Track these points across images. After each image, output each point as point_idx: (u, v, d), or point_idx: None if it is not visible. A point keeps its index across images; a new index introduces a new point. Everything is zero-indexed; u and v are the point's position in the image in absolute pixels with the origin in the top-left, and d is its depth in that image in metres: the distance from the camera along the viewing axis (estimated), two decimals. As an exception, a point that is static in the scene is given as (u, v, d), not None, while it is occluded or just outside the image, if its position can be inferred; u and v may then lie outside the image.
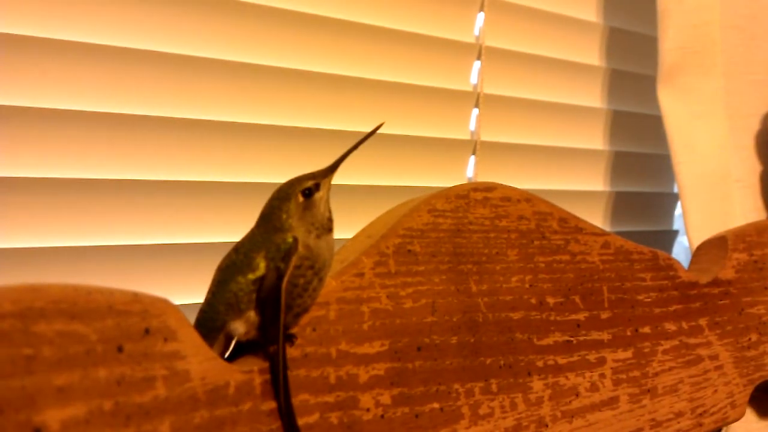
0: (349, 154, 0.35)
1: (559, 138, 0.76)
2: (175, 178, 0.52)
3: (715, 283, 0.57)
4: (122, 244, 0.49)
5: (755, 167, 0.74)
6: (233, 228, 0.51)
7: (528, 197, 0.46)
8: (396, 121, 0.63)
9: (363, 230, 0.41)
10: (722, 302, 0.58)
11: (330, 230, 0.35)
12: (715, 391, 0.55)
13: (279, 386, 0.32)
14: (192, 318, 0.32)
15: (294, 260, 0.33)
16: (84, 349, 0.26)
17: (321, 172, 0.35)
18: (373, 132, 0.35)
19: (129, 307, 0.28)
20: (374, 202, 0.60)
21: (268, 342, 0.32)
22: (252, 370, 0.32)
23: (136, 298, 0.28)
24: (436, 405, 0.39)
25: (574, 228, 0.48)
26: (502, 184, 0.46)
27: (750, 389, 0.58)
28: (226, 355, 0.34)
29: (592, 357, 0.48)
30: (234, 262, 0.33)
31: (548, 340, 0.45)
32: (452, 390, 0.40)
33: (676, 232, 0.88)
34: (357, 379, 0.36)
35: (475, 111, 0.69)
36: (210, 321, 0.33)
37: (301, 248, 0.33)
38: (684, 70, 0.70)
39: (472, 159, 0.68)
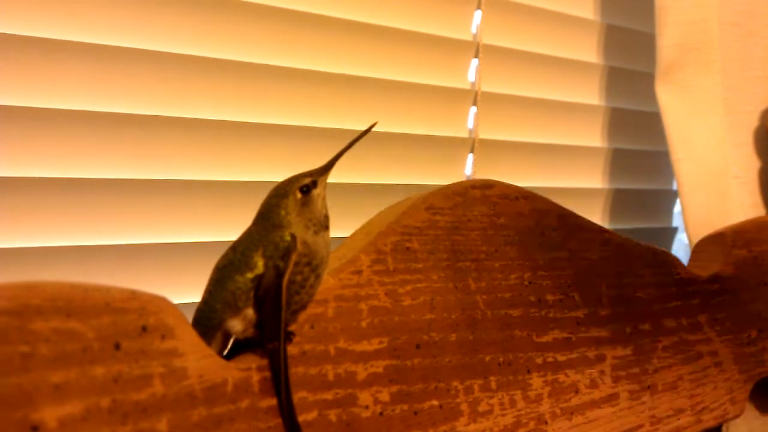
0: (344, 152, 0.35)
1: (558, 135, 0.76)
2: (172, 177, 0.51)
3: (714, 279, 0.57)
4: (120, 244, 0.49)
5: (754, 163, 0.74)
6: (231, 227, 0.51)
7: (526, 194, 0.46)
8: (394, 119, 0.63)
9: (361, 228, 0.41)
10: (721, 298, 0.58)
11: (327, 227, 0.35)
12: (715, 387, 0.55)
13: (280, 384, 0.32)
14: (189, 317, 0.32)
15: (293, 257, 0.33)
16: (81, 347, 0.26)
17: (318, 170, 0.35)
18: (367, 131, 0.35)
19: (126, 305, 0.28)
20: (373, 200, 0.60)
21: (266, 339, 0.32)
22: (250, 368, 0.32)
23: (134, 295, 0.28)
24: (435, 402, 0.39)
25: (573, 225, 0.48)
26: (500, 182, 0.45)
27: (750, 385, 0.58)
28: (225, 353, 0.34)
29: (591, 354, 0.48)
30: (232, 260, 0.33)
31: (547, 337, 0.45)
32: (451, 387, 0.40)
33: (675, 229, 0.88)
34: (355, 376, 0.36)
35: (473, 109, 0.69)
36: (207, 319, 0.33)
37: (299, 245, 0.33)
38: (682, 66, 0.69)
39: (470, 157, 0.68)
